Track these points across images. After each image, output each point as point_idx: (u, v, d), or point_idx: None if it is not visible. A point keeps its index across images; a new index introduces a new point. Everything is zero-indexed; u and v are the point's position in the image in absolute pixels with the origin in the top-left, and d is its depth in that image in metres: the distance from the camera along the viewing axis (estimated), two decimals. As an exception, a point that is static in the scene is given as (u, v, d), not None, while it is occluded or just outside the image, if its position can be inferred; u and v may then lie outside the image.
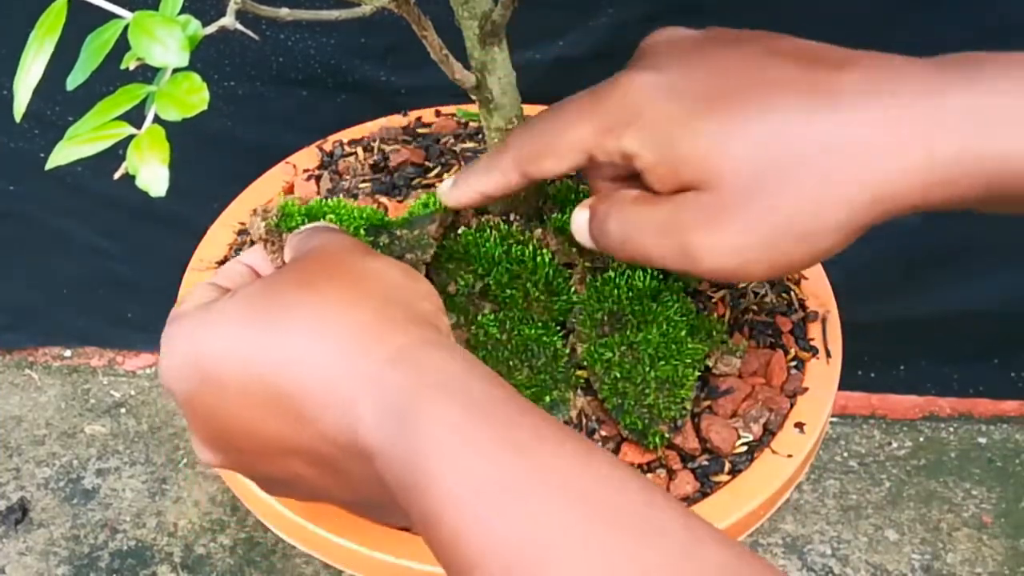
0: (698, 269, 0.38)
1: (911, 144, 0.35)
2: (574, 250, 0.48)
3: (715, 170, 0.37)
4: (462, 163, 0.57)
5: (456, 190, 0.45)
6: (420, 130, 0.62)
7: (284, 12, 0.36)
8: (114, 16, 0.30)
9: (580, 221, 0.43)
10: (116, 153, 0.31)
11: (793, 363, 0.49)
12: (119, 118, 0.31)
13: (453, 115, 0.62)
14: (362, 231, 0.47)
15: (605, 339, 0.46)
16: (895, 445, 1.04)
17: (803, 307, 0.52)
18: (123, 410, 1.08)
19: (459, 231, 0.49)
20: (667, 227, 0.38)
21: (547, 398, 0.45)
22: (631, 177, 0.40)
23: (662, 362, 0.45)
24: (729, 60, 0.39)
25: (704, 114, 0.37)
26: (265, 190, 0.58)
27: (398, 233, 0.47)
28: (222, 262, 0.54)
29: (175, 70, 0.30)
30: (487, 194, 0.44)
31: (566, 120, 0.41)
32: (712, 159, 0.37)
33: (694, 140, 0.37)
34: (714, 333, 0.48)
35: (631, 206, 0.40)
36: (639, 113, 0.38)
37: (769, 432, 0.46)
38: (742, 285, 0.51)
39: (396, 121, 0.63)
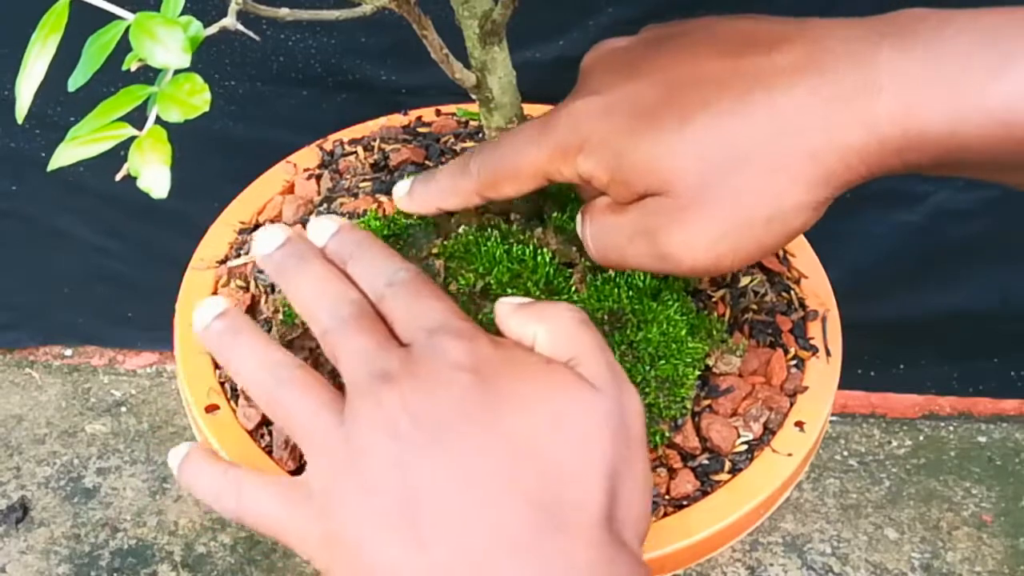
0: (680, 269, 0.39)
1: (847, 121, 0.35)
2: (574, 249, 0.48)
3: (664, 178, 0.38)
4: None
5: (412, 202, 0.47)
6: (420, 129, 0.62)
7: (284, 12, 0.36)
8: (116, 17, 0.30)
9: (578, 228, 0.44)
10: (117, 153, 0.31)
11: (793, 362, 0.49)
12: (121, 119, 0.31)
13: (453, 114, 0.62)
14: None
15: (605, 338, 0.46)
16: (895, 444, 1.04)
17: (803, 306, 0.52)
18: (124, 409, 1.08)
19: (460, 230, 0.49)
20: (637, 233, 0.39)
21: (547, 397, 0.45)
22: None
23: (662, 361, 0.45)
24: (661, 65, 0.39)
25: (643, 129, 0.38)
26: (265, 189, 0.58)
27: None
28: (222, 261, 0.54)
29: (177, 71, 0.30)
30: (445, 210, 0.46)
31: (523, 147, 0.42)
32: (658, 170, 0.38)
33: (638, 155, 0.38)
34: (714, 332, 0.48)
35: (602, 215, 0.41)
36: (587, 137, 0.39)
37: (769, 431, 0.46)
38: (742, 284, 0.51)
39: (396, 120, 0.63)
